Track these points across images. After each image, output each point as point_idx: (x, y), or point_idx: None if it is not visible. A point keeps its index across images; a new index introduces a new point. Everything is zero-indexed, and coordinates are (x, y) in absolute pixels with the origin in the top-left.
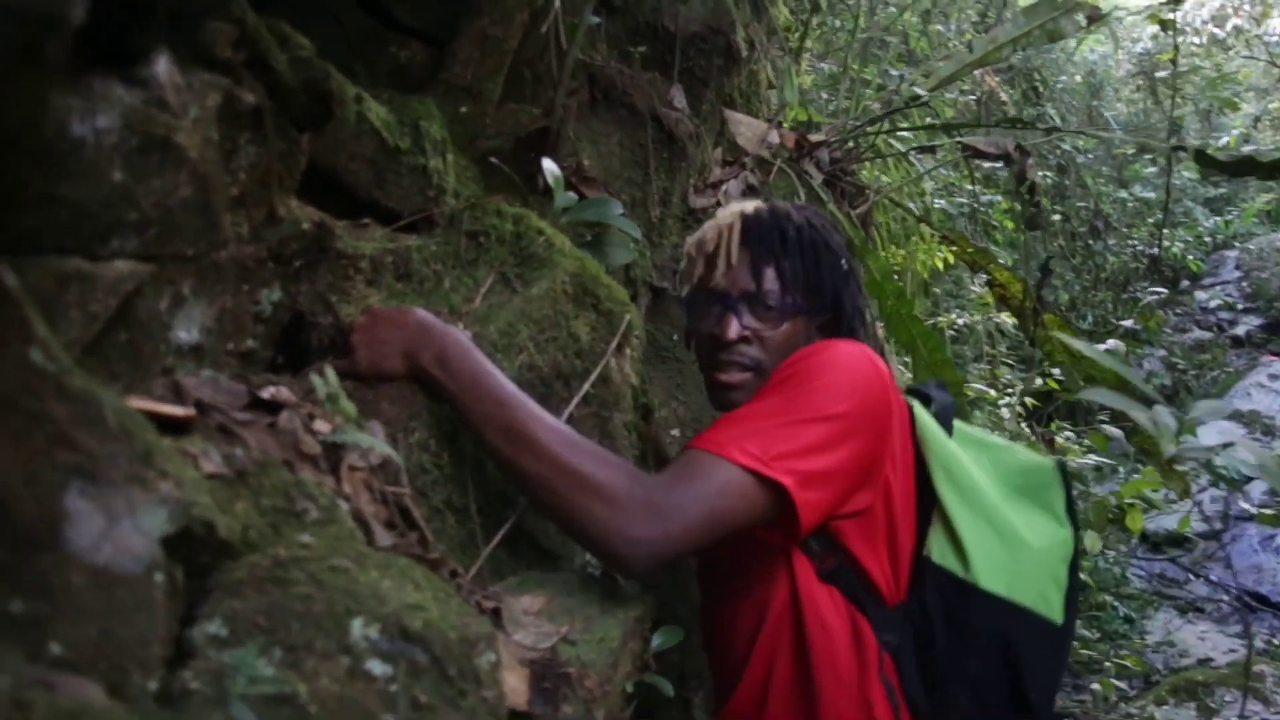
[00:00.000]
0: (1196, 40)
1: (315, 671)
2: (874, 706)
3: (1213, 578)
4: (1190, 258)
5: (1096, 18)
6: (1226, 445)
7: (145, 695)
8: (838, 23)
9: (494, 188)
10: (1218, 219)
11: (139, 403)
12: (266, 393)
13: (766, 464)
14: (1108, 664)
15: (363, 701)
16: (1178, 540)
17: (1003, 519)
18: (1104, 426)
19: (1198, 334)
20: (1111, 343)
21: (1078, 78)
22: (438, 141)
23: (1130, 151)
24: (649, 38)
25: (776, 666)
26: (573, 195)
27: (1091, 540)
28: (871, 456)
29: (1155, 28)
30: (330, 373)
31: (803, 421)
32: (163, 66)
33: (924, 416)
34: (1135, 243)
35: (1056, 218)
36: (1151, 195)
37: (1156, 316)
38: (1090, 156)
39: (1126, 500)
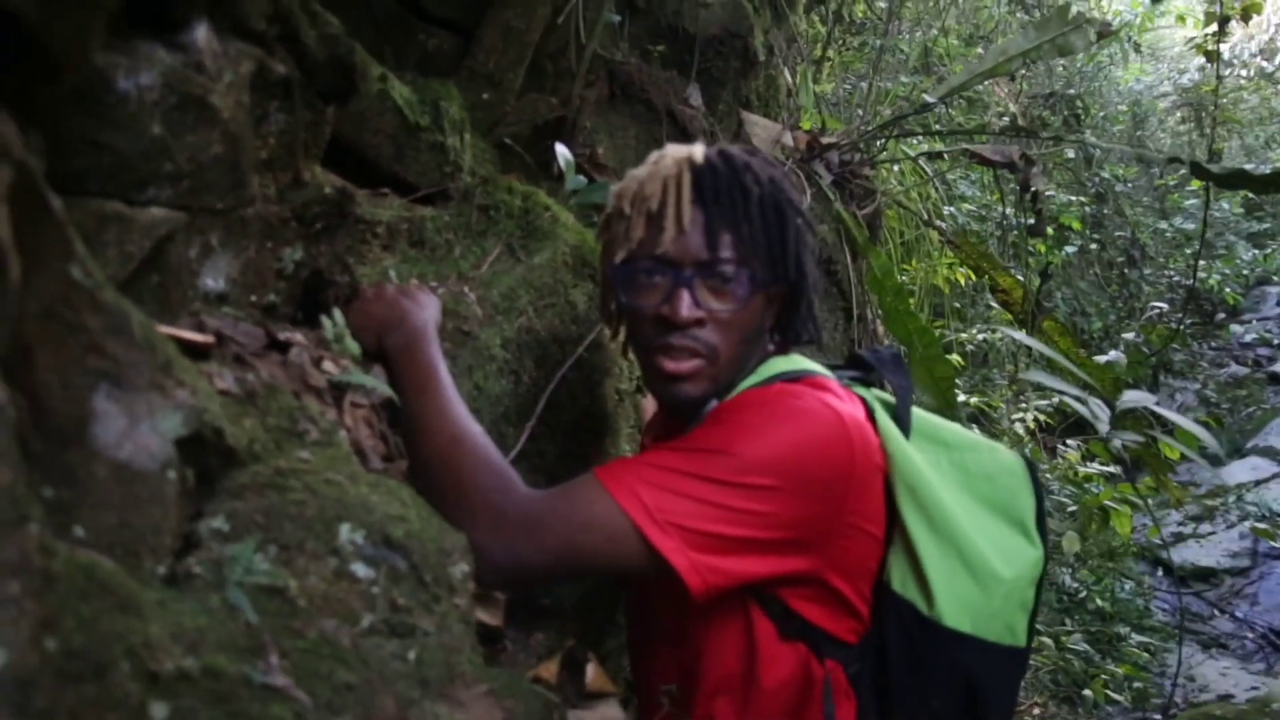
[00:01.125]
0: (1245, 73)
1: (305, 569)
2: None
3: (1238, 614)
4: (1228, 291)
5: (1106, 34)
6: (1260, 481)
7: (154, 577)
8: (861, 39)
9: (509, 170)
10: (1257, 252)
11: (166, 329)
12: (281, 335)
13: (654, 519)
14: (1123, 694)
15: (346, 600)
16: (1204, 575)
17: (974, 551)
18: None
19: (1234, 369)
20: (1114, 354)
21: (1121, 106)
22: (456, 121)
23: (1172, 182)
24: (669, 38)
25: (718, 712)
26: (583, 178)
27: (1069, 540)
28: (809, 527)
29: (1202, 59)
30: (339, 314)
31: (720, 482)
32: (202, 34)
33: (887, 426)
34: (1171, 273)
35: (1093, 246)
36: (1191, 226)
37: (1159, 329)
38: (1130, 185)
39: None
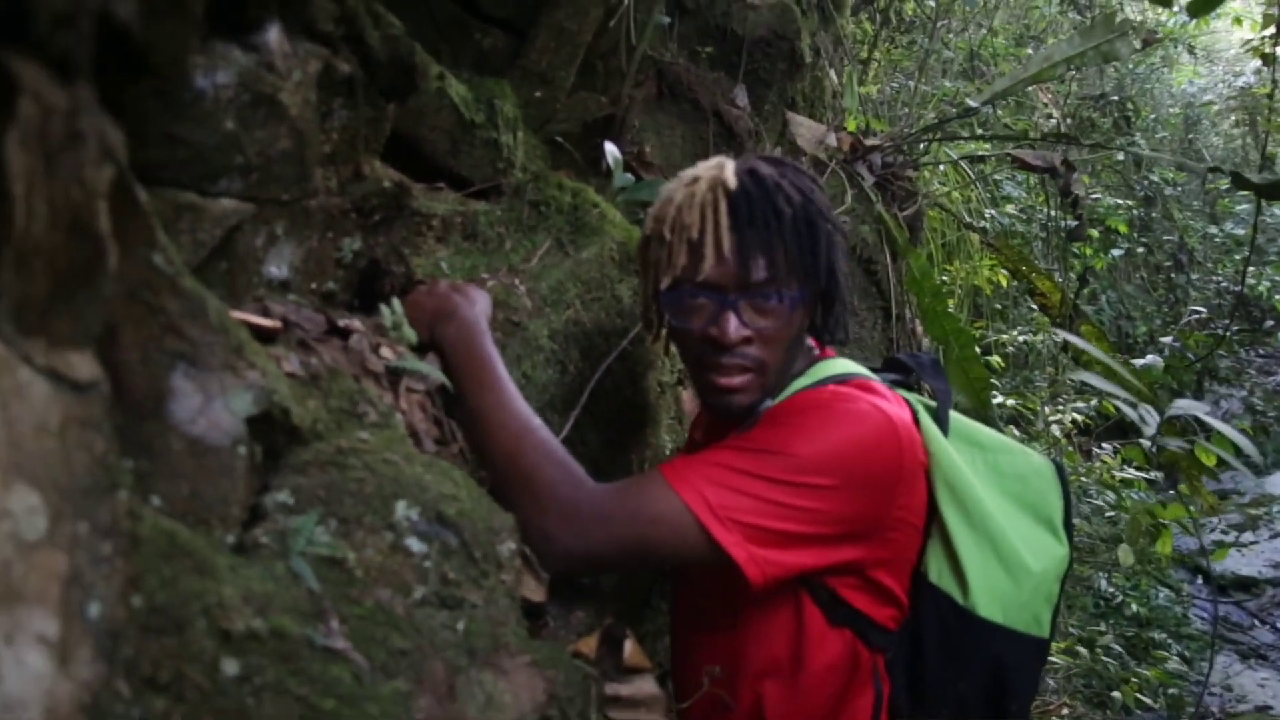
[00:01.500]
0: None
1: (363, 542)
2: (858, 713)
3: (1279, 625)
4: (1278, 298)
5: (1151, 41)
6: None
7: (224, 545)
8: (910, 38)
9: (559, 166)
10: None
11: (237, 314)
12: (342, 321)
13: (716, 515)
14: (1157, 700)
15: (400, 572)
16: (1245, 585)
17: (1007, 545)
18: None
19: None
20: (1151, 358)
21: (1173, 109)
22: (510, 119)
23: (1223, 186)
24: (717, 39)
25: (766, 693)
26: (630, 176)
27: (1124, 553)
28: (861, 522)
29: (1258, 61)
30: (397, 303)
31: (778, 481)
32: (274, 35)
33: (929, 426)
34: (1219, 279)
35: (1140, 250)
36: (1242, 232)
37: (1196, 335)
38: (1179, 189)
39: (1160, 521)
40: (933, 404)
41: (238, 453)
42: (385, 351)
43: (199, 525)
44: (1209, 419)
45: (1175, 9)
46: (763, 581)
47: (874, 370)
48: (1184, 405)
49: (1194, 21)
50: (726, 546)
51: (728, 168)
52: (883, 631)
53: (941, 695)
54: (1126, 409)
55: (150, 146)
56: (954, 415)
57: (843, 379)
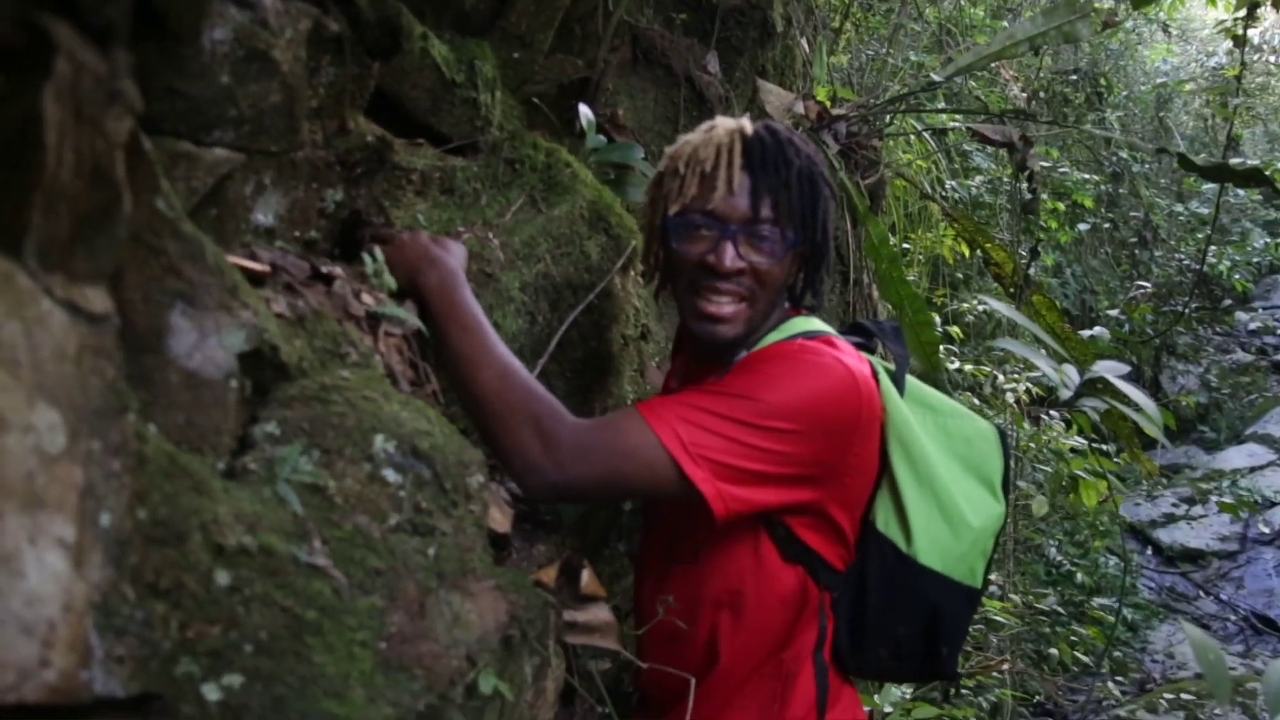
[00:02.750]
0: (1274, 60)
1: (343, 472)
2: (801, 652)
3: (1223, 596)
4: (1238, 278)
5: (1112, 24)
6: (1254, 469)
7: (215, 471)
8: (887, 6)
9: (535, 126)
10: (1270, 240)
11: (231, 258)
12: (325, 268)
13: (688, 451)
14: (1104, 664)
15: (377, 500)
16: (1192, 556)
17: (950, 500)
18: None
19: (1239, 356)
20: (1098, 329)
21: (1145, 87)
22: (489, 80)
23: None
24: (691, 7)
25: (721, 622)
26: (603, 138)
27: (1038, 505)
28: (820, 465)
29: (1230, 43)
30: (379, 251)
31: (746, 423)
32: None
33: (887, 386)
34: (1182, 256)
35: (1106, 225)
36: (1207, 210)
37: (1143, 308)
38: (1147, 167)
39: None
40: (892, 367)
41: (230, 386)
42: (366, 297)
43: (193, 452)
44: (1119, 382)
45: None
46: (726, 515)
47: (840, 333)
48: (1103, 366)
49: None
50: (696, 481)
51: (746, 120)
52: (831, 571)
53: (881, 636)
54: (1049, 371)
55: (151, 99)
56: (910, 379)
57: (811, 335)
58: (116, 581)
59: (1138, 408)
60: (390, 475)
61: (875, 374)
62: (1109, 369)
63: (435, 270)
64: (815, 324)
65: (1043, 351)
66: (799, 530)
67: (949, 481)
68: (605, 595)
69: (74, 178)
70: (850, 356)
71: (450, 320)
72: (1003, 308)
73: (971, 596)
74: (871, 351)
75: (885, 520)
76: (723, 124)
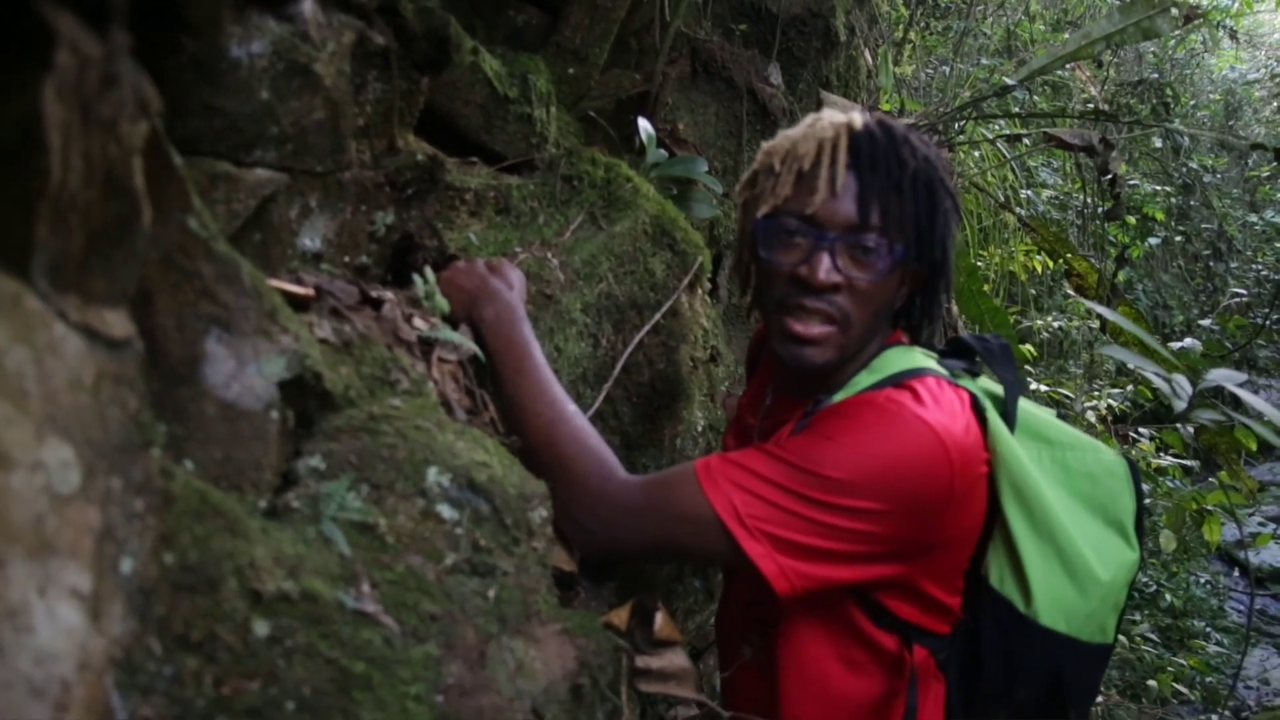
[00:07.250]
0: None
1: (394, 509)
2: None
3: None
4: None
5: (1193, 17)
6: None
7: (256, 510)
8: (945, 23)
9: (593, 143)
10: None
11: (271, 281)
12: (374, 292)
13: (744, 524)
14: (1193, 692)
15: (432, 538)
16: None
17: (1075, 552)
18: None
19: None
20: (1189, 341)
21: (1214, 95)
22: (543, 94)
23: (1264, 173)
24: (752, 17)
25: (807, 693)
26: (663, 152)
27: (1166, 539)
28: (902, 543)
29: None
30: (430, 272)
31: (813, 499)
32: (308, 5)
33: (994, 423)
34: (1259, 267)
35: (1178, 238)
36: None
37: (1236, 319)
38: (1219, 177)
39: (1205, 508)
40: (998, 389)
41: (270, 417)
42: (418, 321)
43: (231, 490)
44: (1243, 393)
45: None
46: (790, 593)
47: (939, 354)
48: (1220, 375)
49: (1236, 2)
50: (754, 557)
51: (857, 113)
52: (933, 636)
53: (997, 699)
54: (1159, 381)
55: (187, 117)
56: (1023, 405)
57: (907, 375)
58: (141, 634)
59: (1262, 418)
60: (445, 511)
61: (980, 409)
62: (1226, 377)
63: (492, 305)
64: (915, 358)
65: (1149, 361)
66: (887, 602)
67: (1072, 529)
68: (681, 639)
69: (85, 186)
70: (943, 411)
71: (504, 362)
72: (1109, 312)
73: (1102, 654)
74: (975, 376)
75: (1000, 576)
76: (829, 116)
